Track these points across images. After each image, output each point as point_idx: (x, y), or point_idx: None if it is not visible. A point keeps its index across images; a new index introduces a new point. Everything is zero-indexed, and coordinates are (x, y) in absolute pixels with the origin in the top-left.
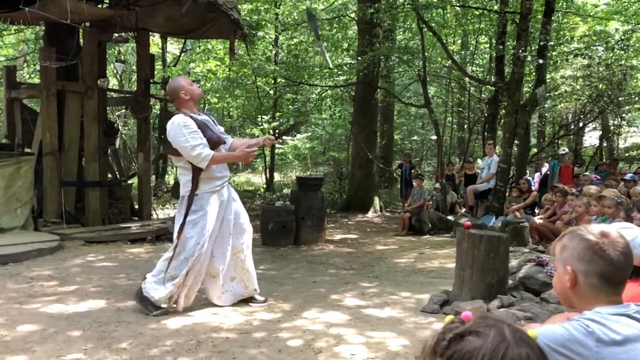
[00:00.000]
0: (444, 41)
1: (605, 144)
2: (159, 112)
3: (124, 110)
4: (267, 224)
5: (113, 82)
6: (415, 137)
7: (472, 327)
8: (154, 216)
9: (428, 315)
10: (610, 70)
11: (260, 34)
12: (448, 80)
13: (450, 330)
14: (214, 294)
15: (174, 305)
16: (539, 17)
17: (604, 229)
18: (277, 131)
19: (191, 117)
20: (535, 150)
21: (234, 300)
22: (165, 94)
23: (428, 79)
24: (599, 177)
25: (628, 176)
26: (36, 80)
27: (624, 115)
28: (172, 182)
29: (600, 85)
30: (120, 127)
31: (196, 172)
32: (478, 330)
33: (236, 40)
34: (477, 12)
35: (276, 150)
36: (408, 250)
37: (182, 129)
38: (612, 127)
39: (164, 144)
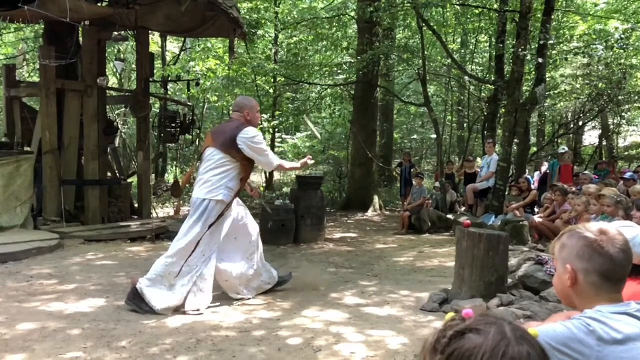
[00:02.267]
0: (444, 40)
1: (604, 143)
2: (158, 110)
3: (123, 109)
4: (267, 223)
5: (112, 81)
6: (415, 136)
7: (473, 324)
8: (154, 215)
9: (427, 314)
10: (610, 69)
11: (259, 32)
12: (448, 79)
13: (450, 327)
14: (232, 291)
15: (199, 311)
16: (539, 15)
17: (602, 226)
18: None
19: None
20: (534, 148)
21: (253, 294)
22: (234, 106)
23: (428, 78)
24: (597, 177)
25: (627, 175)
26: (36, 79)
27: (623, 114)
28: (171, 180)
29: (600, 84)
30: (119, 126)
31: (243, 181)
32: (478, 328)
33: (236, 38)
34: (476, 11)
35: (276, 149)
36: (407, 249)
37: (260, 138)
38: (611, 126)
39: (225, 143)
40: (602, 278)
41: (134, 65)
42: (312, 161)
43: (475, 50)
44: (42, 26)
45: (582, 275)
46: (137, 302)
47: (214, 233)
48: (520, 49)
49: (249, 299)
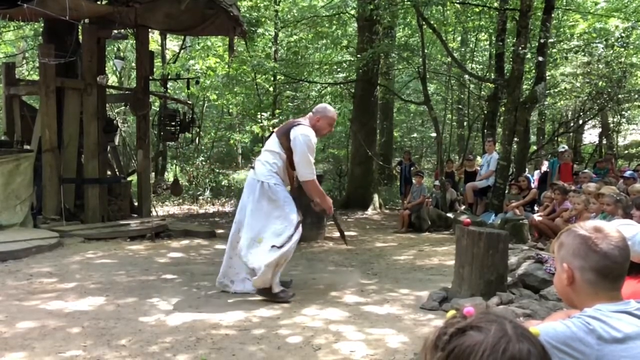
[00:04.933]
0: (444, 38)
1: (604, 142)
2: (158, 109)
3: (123, 107)
4: None
5: (112, 79)
6: (415, 135)
7: (474, 322)
8: (154, 213)
9: (427, 312)
10: (610, 67)
11: (259, 30)
12: (448, 78)
13: (452, 325)
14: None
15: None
16: (539, 14)
17: (597, 224)
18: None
19: None
20: (534, 147)
21: (250, 290)
22: (314, 108)
23: (428, 76)
24: (597, 176)
25: (627, 173)
26: (35, 77)
27: (623, 112)
28: (171, 179)
29: (600, 83)
30: (119, 124)
31: (287, 176)
32: (480, 325)
33: (235, 37)
34: (477, 9)
35: None
36: (407, 248)
37: (312, 144)
38: (611, 125)
39: (282, 133)
40: (599, 276)
41: (133, 64)
42: (331, 212)
43: (476, 48)
44: (42, 24)
45: (578, 274)
46: (277, 297)
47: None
48: (520, 48)
49: (233, 292)
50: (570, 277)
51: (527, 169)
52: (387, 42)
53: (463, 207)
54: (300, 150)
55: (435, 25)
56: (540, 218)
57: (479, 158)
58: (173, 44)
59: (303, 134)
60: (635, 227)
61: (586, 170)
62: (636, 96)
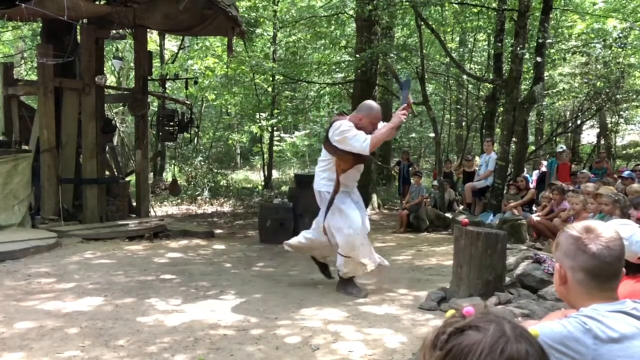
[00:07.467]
0: (442, 38)
1: (603, 142)
2: (157, 109)
3: (121, 108)
4: (265, 222)
5: (111, 79)
6: (414, 135)
7: (473, 322)
8: (152, 213)
9: (425, 312)
10: (608, 67)
11: (258, 31)
12: (446, 78)
13: (450, 324)
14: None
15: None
16: (537, 14)
17: (590, 224)
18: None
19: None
20: (533, 147)
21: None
22: (360, 105)
23: (426, 77)
24: (595, 176)
25: (625, 174)
26: (34, 77)
27: (621, 112)
28: (169, 179)
29: (598, 83)
30: (118, 124)
31: (347, 172)
32: (478, 325)
33: (234, 37)
34: (475, 10)
35: (274, 148)
36: (406, 248)
37: (343, 127)
38: (610, 125)
39: (326, 142)
40: (589, 276)
41: (132, 64)
42: (404, 117)
43: (474, 49)
44: (40, 25)
45: (570, 274)
46: (344, 287)
47: (346, 215)
48: (518, 48)
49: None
50: (563, 277)
51: (525, 169)
52: (385, 42)
53: (461, 207)
54: (341, 142)
55: (433, 26)
56: (538, 218)
57: (477, 158)
58: (172, 44)
59: (334, 131)
60: (632, 227)
61: (584, 171)
62: (634, 96)
